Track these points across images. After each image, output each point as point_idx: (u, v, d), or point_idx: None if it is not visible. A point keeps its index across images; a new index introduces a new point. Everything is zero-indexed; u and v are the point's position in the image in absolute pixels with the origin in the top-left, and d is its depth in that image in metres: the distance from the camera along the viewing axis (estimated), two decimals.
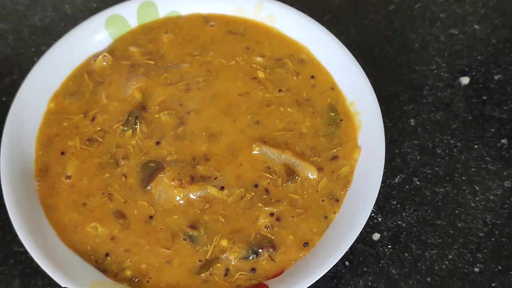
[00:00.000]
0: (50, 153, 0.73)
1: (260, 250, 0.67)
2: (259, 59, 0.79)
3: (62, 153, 0.73)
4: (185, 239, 0.68)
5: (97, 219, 0.69)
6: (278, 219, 0.69)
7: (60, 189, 0.71)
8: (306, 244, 0.67)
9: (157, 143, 0.73)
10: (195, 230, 0.68)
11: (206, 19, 0.83)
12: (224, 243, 0.67)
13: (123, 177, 0.71)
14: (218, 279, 0.66)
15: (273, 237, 0.68)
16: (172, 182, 0.69)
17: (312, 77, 0.79)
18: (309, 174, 0.71)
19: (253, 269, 0.66)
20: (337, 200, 0.70)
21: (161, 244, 0.67)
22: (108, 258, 0.67)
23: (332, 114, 0.76)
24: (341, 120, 0.75)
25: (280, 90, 0.77)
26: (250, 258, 0.67)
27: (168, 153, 0.72)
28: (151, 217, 0.69)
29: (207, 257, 0.67)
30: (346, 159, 0.73)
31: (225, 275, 0.66)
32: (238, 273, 0.66)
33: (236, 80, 0.77)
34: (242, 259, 0.67)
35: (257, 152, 0.72)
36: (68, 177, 0.71)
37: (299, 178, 0.71)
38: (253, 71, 0.78)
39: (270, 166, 0.72)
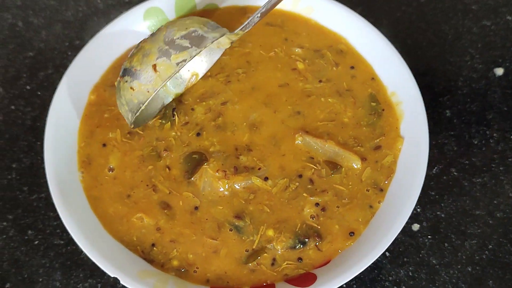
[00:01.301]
0: (92, 145, 0.73)
1: (307, 240, 0.67)
2: (298, 50, 0.79)
3: (104, 145, 0.73)
4: (231, 230, 0.68)
5: (142, 210, 0.69)
6: (323, 209, 0.69)
7: (104, 181, 0.71)
8: (352, 233, 0.68)
9: (198, 134, 0.73)
10: (241, 220, 0.68)
11: (243, 11, 0.83)
12: (270, 233, 0.67)
13: (167, 169, 0.71)
14: (266, 268, 0.66)
15: (319, 227, 0.68)
16: (217, 173, 0.69)
17: (352, 67, 0.79)
18: (353, 164, 0.71)
19: (300, 259, 0.67)
20: (381, 190, 0.70)
21: (207, 234, 0.67)
22: (155, 248, 0.67)
23: (374, 104, 0.76)
24: (383, 110, 0.75)
25: (320, 81, 0.77)
26: (297, 247, 0.67)
27: (211, 144, 0.72)
28: (196, 208, 0.69)
29: (253, 247, 0.67)
30: (389, 148, 0.73)
31: (272, 264, 0.66)
32: (285, 263, 0.66)
33: (275, 71, 0.78)
34: (288, 248, 0.67)
35: (300, 142, 0.72)
36: (111, 169, 0.72)
37: (343, 169, 0.71)
38: (292, 62, 0.78)
39: (314, 156, 0.72)
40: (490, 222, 0.77)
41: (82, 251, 0.73)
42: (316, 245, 0.67)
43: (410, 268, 0.74)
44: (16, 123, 0.84)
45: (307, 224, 0.68)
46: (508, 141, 0.83)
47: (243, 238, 0.67)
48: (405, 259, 0.75)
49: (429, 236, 0.76)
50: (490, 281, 0.73)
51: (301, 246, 0.67)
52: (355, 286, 0.73)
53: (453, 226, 0.77)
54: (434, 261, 0.74)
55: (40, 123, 0.82)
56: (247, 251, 0.67)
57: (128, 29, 0.80)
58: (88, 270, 0.73)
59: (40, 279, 0.73)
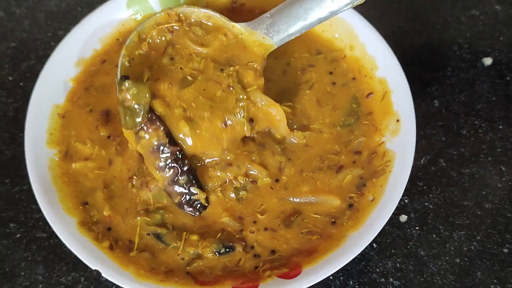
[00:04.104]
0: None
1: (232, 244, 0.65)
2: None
3: None
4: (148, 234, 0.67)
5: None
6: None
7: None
8: (333, 222, 0.66)
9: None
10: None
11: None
12: (194, 237, 0.65)
13: None
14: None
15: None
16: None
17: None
18: (333, 203, 0.68)
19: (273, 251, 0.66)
20: (365, 185, 0.69)
21: None
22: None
23: (354, 106, 0.74)
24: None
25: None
26: (222, 252, 0.65)
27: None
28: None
29: (178, 252, 0.65)
30: (368, 147, 0.71)
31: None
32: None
33: None
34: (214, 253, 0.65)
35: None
36: None
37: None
38: None
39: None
40: (479, 213, 0.76)
41: (64, 244, 0.72)
42: (244, 250, 0.65)
43: (398, 260, 0.73)
44: None
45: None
46: (496, 131, 0.82)
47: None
48: (392, 251, 0.74)
49: (417, 227, 0.75)
50: (479, 272, 0.72)
51: (229, 251, 0.65)
52: (342, 278, 0.72)
53: (441, 217, 0.76)
54: (422, 253, 0.74)
55: (23, 115, 0.80)
56: (183, 259, 0.65)
57: (111, 17, 0.78)
58: (71, 264, 0.72)
59: (22, 273, 0.72)
